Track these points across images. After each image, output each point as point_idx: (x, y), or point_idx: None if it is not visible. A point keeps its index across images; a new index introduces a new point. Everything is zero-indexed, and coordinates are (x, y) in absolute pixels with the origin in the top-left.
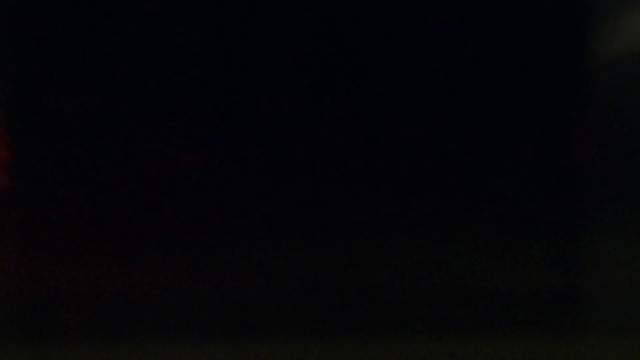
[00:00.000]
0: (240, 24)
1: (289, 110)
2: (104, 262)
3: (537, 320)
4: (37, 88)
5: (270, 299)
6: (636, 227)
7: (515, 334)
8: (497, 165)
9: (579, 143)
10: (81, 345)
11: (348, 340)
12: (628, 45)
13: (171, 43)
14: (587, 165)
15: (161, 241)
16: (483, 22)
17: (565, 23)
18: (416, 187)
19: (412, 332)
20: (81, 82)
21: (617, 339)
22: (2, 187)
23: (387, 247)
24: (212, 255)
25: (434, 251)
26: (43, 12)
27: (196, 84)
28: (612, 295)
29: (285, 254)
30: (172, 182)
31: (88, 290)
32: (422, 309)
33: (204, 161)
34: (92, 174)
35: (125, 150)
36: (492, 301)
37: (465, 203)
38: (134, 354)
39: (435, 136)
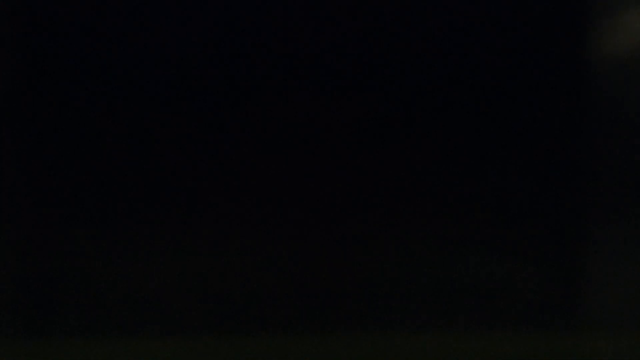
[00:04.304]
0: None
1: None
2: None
3: (537, 318)
4: None
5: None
6: (636, 227)
7: (515, 332)
8: (497, 164)
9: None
10: (81, 345)
11: (347, 339)
12: (628, 45)
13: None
14: (588, 164)
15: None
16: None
17: (565, 23)
18: (418, 187)
19: (411, 331)
20: None
21: (616, 337)
22: None
23: (386, 247)
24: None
25: (434, 250)
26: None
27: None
28: (612, 294)
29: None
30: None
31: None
32: (422, 308)
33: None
34: None
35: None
36: (491, 300)
37: (466, 202)
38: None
39: (437, 136)
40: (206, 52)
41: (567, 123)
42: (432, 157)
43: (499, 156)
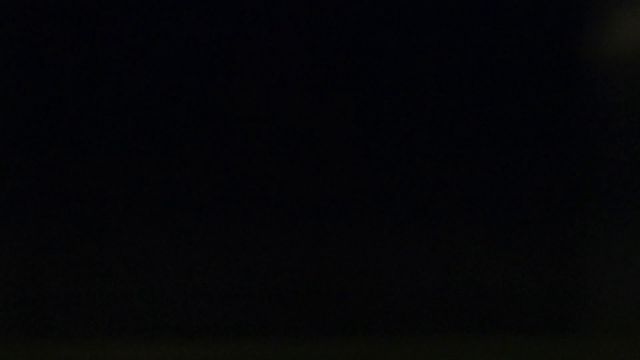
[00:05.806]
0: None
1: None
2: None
3: (537, 319)
4: None
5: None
6: (636, 226)
7: (515, 333)
8: (497, 165)
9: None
10: (81, 345)
11: (347, 340)
12: (628, 45)
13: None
14: (588, 165)
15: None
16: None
17: (565, 22)
18: (417, 187)
19: (412, 332)
20: None
21: (616, 338)
22: None
23: (387, 246)
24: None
25: (434, 250)
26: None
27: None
28: (612, 295)
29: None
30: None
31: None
32: (422, 309)
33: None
34: None
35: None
36: (491, 300)
37: (466, 203)
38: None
39: (436, 136)
40: (207, 53)
41: (567, 123)
42: (434, 157)
43: (499, 156)
